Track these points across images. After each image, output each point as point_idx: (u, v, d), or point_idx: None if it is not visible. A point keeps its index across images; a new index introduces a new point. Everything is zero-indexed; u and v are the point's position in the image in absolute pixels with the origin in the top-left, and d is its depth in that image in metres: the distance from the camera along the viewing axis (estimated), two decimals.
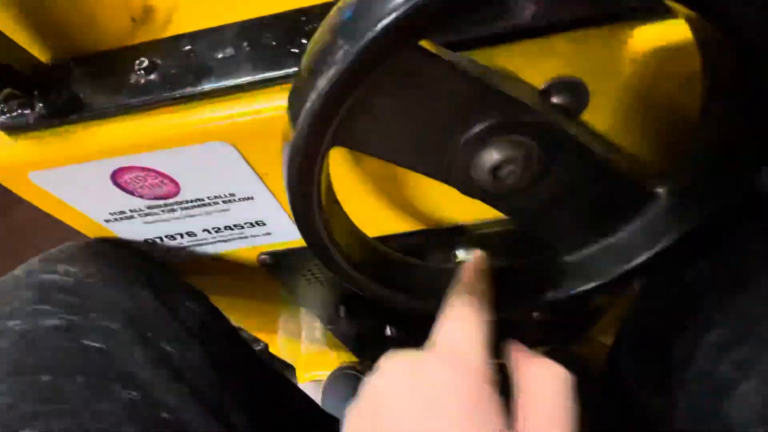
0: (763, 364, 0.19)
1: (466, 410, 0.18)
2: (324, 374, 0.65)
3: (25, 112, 0.24)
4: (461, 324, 0.22)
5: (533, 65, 0.22)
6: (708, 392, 0.20)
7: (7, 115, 0.24)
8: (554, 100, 0.22)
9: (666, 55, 0.22)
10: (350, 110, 0.17)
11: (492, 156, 0.20)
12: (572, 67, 0.22)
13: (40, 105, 0.25)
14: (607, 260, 0.25)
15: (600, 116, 0.23)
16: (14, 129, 0.25)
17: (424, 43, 0.17)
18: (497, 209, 0.24)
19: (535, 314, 0.48)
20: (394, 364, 0.21)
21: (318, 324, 0.52)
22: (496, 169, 0.20)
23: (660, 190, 0.23)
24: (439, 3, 0.14)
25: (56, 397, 0.23)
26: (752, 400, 0.18)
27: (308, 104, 0.16)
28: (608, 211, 0.24)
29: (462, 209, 0.34)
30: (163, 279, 0.30)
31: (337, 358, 0.64)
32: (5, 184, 0.28)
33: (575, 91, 0.23)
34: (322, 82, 0.16)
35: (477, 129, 0.19)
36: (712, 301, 0.23)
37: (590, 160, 0.21)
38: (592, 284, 0.26)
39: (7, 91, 0.25)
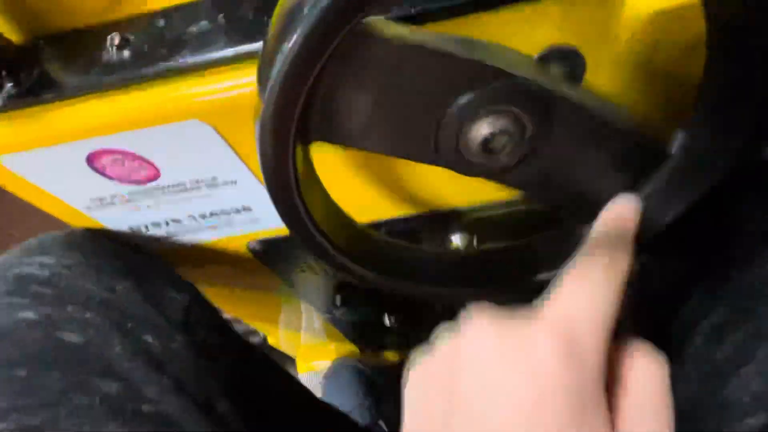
0: (764, 346, 0.18)
1: (573, 413, 0.15)
2: (324, 364, 0.64)
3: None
4: (590, 290, 0.17)
5: (524, 33, 0.21)
6: (708, 376, 0.19)
7: None
8: (552, 68, 0.21)
9: (664, 18, 0.20)
10: (324, 106, 0.16)
11: (480, 130, 0.19)
12: (566, 35, 0.21)
13: (10, 85, 0.24)
14: None
15: (598, 85, 0.22)
16: None
17: (373, 25, 0.16)
18: (505, 184, 0.22)
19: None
20: (485, 327, 0.17)
21: (316, 313, 0.51)
22: (486, 142, 0.19)
23: (670, 149, 0.21)
24: None
25: (32, 392, 0.22)
26: (753, 384, 0.17)
27: (276, 69, 0.15)
28: (618, 173, 0.22)
29: (458, 192, 0.32)
30: (145, 269, 0.29)
31: (337, 348, 0.63)
32: None
33: (571, 59, 0.22)
34: (289, 44, 0.15)
35: (457, 104, 0.18)
36: (711, 282, 0.22)
37: (590, 119, 0.20)
38: None
39: None
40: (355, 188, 0.30)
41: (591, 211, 0.23)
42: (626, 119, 0.20)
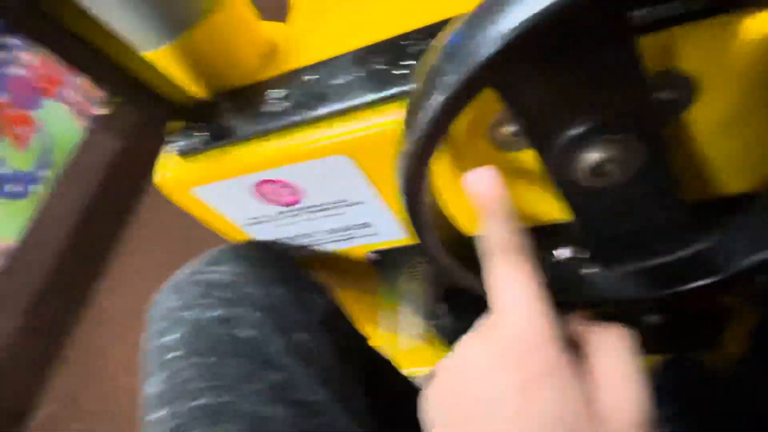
0: None
1: (552, 388, 0.18)
2: (422, 371, 0.67)
3: (195, 137, 0.31)
4: (512, 287, 0.20)
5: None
6: None
7: (183, 140, 0.31)
8: (660, 95, 0.22)
9: None
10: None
11: (593, 154, 0.21)
12: (680, 61, 0.22)
13: (205, 131, 0.31)
14: (711, 258, 0.25)
15: (710, 112, 0.23)
16: (187, 152, 0.31)
17: None
18: (578, 208, 0.24)
19: (651, 318, 0.46)
20: (467, 344, 0.21)
21: (418, 320, 0.55)
22: (596, 167, 0.21)
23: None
24: (536, 34, 0.15)
25: (220, 376, 0.28)
26: None
27: (421, 122, 0.19)
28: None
29: (561, 205, 0.34)
30: (294, 275, 0.35)
31: (436, 355, 0.66)
32: (171, 196, 0.35)
33: (682, 85, 0.22)
34: (432, 105, 0.18)
35: (581, 128, 0.20)
36: None
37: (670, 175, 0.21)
38: (699, 282, 0.25)
39: (183, 123, 0.32)
40: (460, 202, 0.33)
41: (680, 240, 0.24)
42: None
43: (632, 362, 0.20)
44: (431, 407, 0.21)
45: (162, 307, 0.33)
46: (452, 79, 0.17)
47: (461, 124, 0.26)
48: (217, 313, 0.31)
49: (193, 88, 0.33)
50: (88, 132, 1.19)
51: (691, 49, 0.21)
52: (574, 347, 0.21)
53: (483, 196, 0.23)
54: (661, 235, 0.25)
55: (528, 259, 0.21)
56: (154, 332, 0.32)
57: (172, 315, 0.32)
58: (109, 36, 0.27)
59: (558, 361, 0.19)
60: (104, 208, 1.14)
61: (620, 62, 0.18)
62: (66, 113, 1.18)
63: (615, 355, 0.20)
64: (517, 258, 0.21)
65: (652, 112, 0.20)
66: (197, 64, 0.32)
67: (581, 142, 0.21)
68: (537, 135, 0.21)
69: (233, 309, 0.31)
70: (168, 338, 0.31)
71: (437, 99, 0.18)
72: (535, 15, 0.15)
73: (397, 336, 0.64)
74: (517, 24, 0.15)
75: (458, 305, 0.46)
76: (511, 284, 0.21)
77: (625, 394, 0.19)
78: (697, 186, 0.26)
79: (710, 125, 0.23)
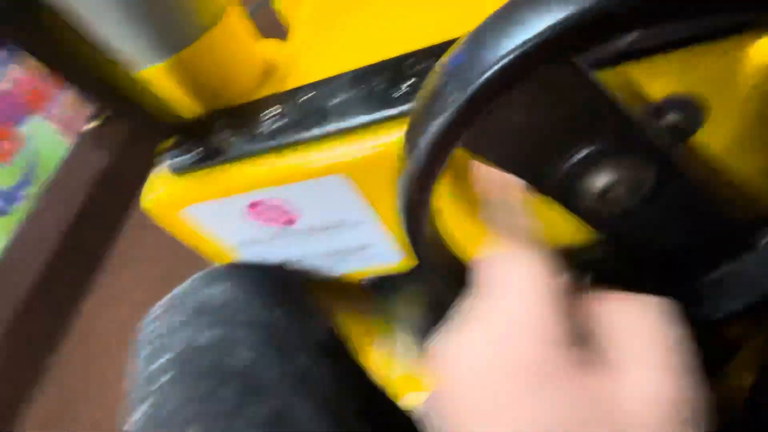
0: None
1: (558, 391, 0.16)
2: (419, 396, 0.65)
3: (188, 155, 0.30)
4: (518, 264, 0.18)
5: (645, 83, 0.22)
6: None
7: (175, 158, 0.30)
8: (668, 118, 0.21)
9: None
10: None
11: (600, 178, 0.21)
12: (686, 84, 0.21)
13: (197, 150, 0.30)
14: (720, 292, 0.24)
15: (717, 136, 0.23)
16: (179, 169, 0.30)
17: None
18: (598, 230, 0.24)
19: None
20: (466, 332, 0.19)
21: (414, 344, 0.54)
22: (604, 190, 0.21)
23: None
24: (539, 55, 0.15)
25: (214, 402, 0.27)
26: None
27: (422, 143, 0.19)
28: (714, 244, 0.23)
29: (566, 231, 0.33)
30: (292, 297, 0.34)
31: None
32: (160, 218, 0.34)
33: (689, 109, 0.22)
34: (434, 127, 0.18)
35: (588, 149, 0.20)
36: None
37: (693, 194, 0.21)
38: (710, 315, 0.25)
39: (174, 138, 0.31)
40: (459, 228, 0.33)
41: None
42: (722, 202, 0.21)
43: (664, 337, 0.16)
44: (435, 411, 0.20)
45: (151, 331, 0.32)
46: (456, 99, 0.17)
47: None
48: (211, 335, 0.29)
49: (188, 105, 0.32)
50: (74, 148, 1.18)
51: (697, 74, 0.21)
52: (591, 331, 0.18)
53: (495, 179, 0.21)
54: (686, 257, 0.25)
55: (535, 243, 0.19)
56: (142, 357, 0.30)
57: (162, 339, 0.30)
58: (103, 51, 0.26)
59: (567, 359, 0.16)
60: (89, 226, 1.12)
61: (590, 98, 0.19)
62: (52, 130, 1.17)
63: (640, 332, 0.17)
64: (526, 237, 0.19)
65: (647, 137, 0.20)
66: (193, 81, 0.32)
67: (589, 163, 0.20)
68: (533, 164, 0.21)
69: (228, 331, 0.30)
70: (156, 364, 0.29)
71: (440, 121, 0.18)
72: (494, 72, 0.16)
73: (393, 360, 0.63)
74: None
75: None
76: (518, 260, 0.18)
77: (653, 380, 0.15)
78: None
79: (720, 147, 0.23)
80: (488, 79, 0.16)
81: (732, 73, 0.21)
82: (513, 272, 0.18)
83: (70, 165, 1.16)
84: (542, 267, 0.18)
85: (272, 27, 0.50)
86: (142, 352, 0.31)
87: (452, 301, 0.27)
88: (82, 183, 1.14)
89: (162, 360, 0.29)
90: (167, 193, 0.31)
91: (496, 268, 0.19)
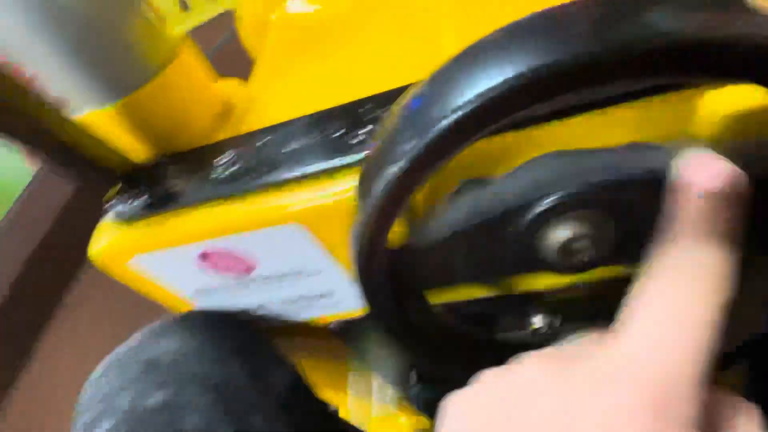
0: None
1: None
2: None
3: (136, 202, 0.28)
4: (680, 318, 0.13)
5: (599, 135, 0.22)
6: None
7: (122, 205, 0.28)
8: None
9: (742, 119, 0.20)
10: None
11: (559, 234, 0.20)
12: (644, 133, 0.21)
13: (146, 196, 0.29)
14: None
15: None
16: (126, 218, 0.29)
17: None
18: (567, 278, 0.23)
19: None
20: (538, 360, 0.16)
21: (389, 388, 0.52)
22: (565, 246, 0.20)
23: None
24: (502, 101, 0.14)
25: None
26: None
27: (376, 191, 0.18)
28: None
29: (538, 275, 0.33)
30: (251, 348, 0.32)
31: (409, 422, 0.62)
32: (108, 268, 0.31)
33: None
34: (390, 172, 0.17)
35: (540, 208, 0.20)
36: None
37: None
38: None
39: (119, 186, 0.29)
40: None
41: None
42: None
43: None
44: (455, 415, 0.18)
45: (93, 391, 0.29)
46: (411, 146, 0.16)
47: (421, 194, 0.24)
48: (157, 398, 0.27)
49: (137, 149, 0.31)
50: (38, 175, 1.14)
51: (656, 123, 0.21)
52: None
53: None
54: None
55: (726, 293, 0.14)
56: (81, 424, 0.28)
57: (103, 402, 0.28)
58: (39, 96, 0.25)
59: None
60: (50, 260, 1.07)
61: None
62: (16, 155, 1.13)
63: None
64: (717, 259, 0.14)
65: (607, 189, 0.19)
66: (143, 125, 0.30)
67: (544, 221, 0.20)
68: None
69: (177, 392, 0.27)
70: (98, 430, 0.27)
71: (393, 169, 0.16)
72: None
73: (369, 402, 0.60)
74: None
75: (428, 374, 0.43)
76: (681, 311, 0.13)
77: None
78: None
79: None
80: (447, 126, 0.15)
81: (690, 123, 0.21)
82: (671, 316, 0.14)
83: (33, 194, 1.12)
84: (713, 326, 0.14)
85: (236, 64, 0.49)
86: (82, 416, 0.28)
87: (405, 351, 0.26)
88: (45, 213, 1.10)
89: (105, 426, 0.27)
90: (113, 243, 0.29)
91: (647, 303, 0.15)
